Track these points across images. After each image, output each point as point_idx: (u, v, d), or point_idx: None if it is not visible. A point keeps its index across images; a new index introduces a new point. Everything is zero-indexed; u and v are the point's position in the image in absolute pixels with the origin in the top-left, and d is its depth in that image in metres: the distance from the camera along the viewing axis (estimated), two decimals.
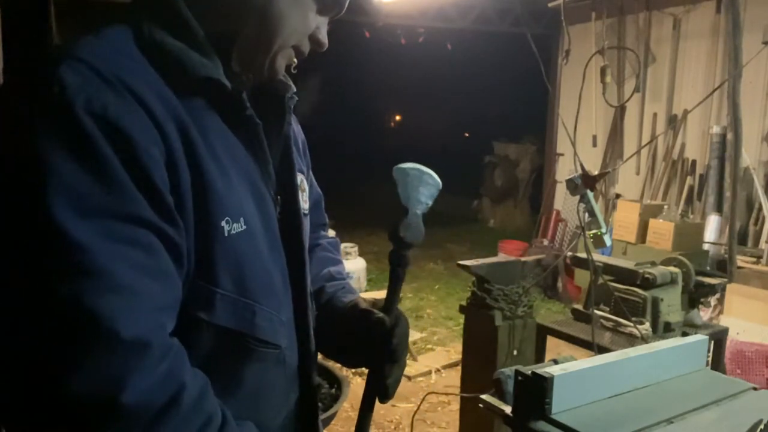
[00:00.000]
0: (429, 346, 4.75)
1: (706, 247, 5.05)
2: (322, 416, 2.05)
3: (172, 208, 0.76)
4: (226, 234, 0.81)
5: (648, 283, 2.42)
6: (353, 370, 3.76)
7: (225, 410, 0.81)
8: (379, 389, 1.02)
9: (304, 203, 1.03)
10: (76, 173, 0.69)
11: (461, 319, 3.00)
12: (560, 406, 0.95)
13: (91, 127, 0.70)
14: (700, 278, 2.64)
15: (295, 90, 1.02)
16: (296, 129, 1.09)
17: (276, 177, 0.94)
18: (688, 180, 5.99)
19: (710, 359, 2.53)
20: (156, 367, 0.72)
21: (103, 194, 0.70)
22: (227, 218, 0.81)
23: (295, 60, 0.94)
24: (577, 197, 2.28)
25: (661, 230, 4.94)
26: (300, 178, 1.03)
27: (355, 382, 3.57)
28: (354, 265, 5.41)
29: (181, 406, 0.73)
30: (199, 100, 0.83)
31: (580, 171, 2.25)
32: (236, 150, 0.87)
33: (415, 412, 2.84)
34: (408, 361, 3.61)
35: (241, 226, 0.83)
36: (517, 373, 1.00)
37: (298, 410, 1.01)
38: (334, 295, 1.11)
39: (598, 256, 2.54)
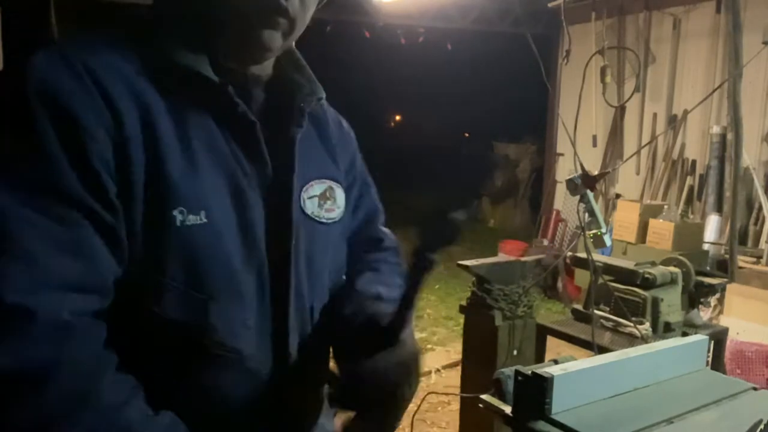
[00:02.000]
0: (429, 346, 4.75)
1: (706, 247, 5.05)
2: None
3: (109, 190, 0.75)
4: (178, 224, 0.79)
5: (648, 283, 2.42)
6: None
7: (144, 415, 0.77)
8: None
9: (327, 212, 0.98)
10: (11, 144, 0.74)
11: (461, 319, 3.00)
12: (560, 406, 0.95)
13: (36, 105, 0.73)
14: (700, 278, 2.64)
15: (321, 95, 0.99)
16: (337, 134, 1.06)
17: (274, 179, 0.91)
18: (688, 180, 5.99)
19: (710, 359, 2.53)
20: (34, 341, 0.69)
21: (33, 166, 0.72)
22: (181, 208, 0.79)
23: (282, 21, 0.86)
24: (577, 197, 2.28)
25: (661, 230, 4.94)
26: (324, 186, 0.98)
27: None
28: None
29: (53, 390, 0.70)
30: (184, 93, 0.83)
31: (580, 171, 2.25)
32: (217, 144, 0.85)
33: (415, 412, 2.83)
34: None
35: (200, 219, 0.80)
36: (517, 373, 1.00)
37: (273, 427, 0.93)
38: (364, 308, 0.99)
39: (598, 256, 2.54)
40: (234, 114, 0.86)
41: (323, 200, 0.98)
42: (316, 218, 0.96)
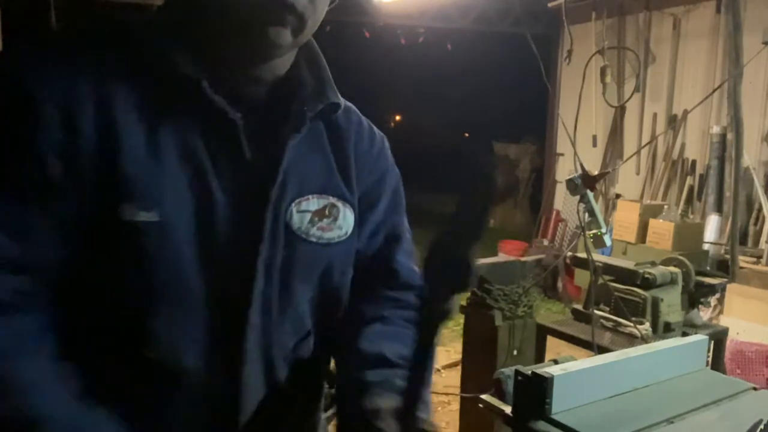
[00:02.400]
0: None
1: (706, 247, 5.04)
2: (323, 416, 2.05)
3: (53, 173, 0.74)
4: (126, 218, 0.75)
5: (648, 283, 2.42)
6: None
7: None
8: None
9: (320, 230, 0.88)
10: None
11: (461, 319, 3.00)
12: (560, 406, 0.95)
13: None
14: (700, 278, 2.64)
15: (333, 100, 0.91)
16: (362, 149, 0.97)
17: (254, 185, 0.83)
18: (688, 180, 5.99)
19: (710, 359, 2.53)
20: None
21: None
22: (133, 203, 0.75)
23: (290, 17, 0.80)
24: (577, 197, 2.28)
25: (661, 230, 4.94)
26: (324, 202, 0.89)
27: None
28: None
29: None
30: (161, 90, 0.79)
31: (580, 171, 2.25)
32: (190, 143, 0.79)
33: None
34: None
35: (152, 217, 0.75)
36: (517, 373, 1.00)
37: None
38: (367, 388, 0.87)
39: (598, 256, 2.54)
40: (212, 111, 0.80)
41: (319, 217, 0.89)
42: (303, 235, 0.87)
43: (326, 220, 0.89)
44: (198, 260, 0.79)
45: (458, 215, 0.66)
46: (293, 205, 0.86)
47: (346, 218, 0.92)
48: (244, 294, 0.82)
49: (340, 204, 0.91)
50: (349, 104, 0.99)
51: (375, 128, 1.02)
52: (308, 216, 0.87)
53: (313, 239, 0.88)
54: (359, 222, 0.95)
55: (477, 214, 0.66)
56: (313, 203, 0.88)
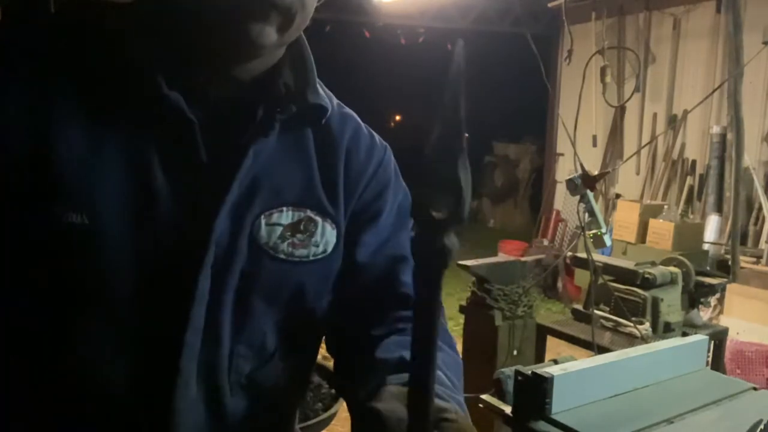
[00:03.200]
0: None
1: (706, 247, 5.05)
2: (323, 416, 2.06)
3: None
4: (53, 219, 0.69)
5: (648, 283, 2.42)
6: None
7: None
8: None
9: (292, 247, 0.80)
10: None
11: (461, 319, 3.00)
12: (560, 406, 0.95)
13: None
14: (700, 278, 2.65)
15: (316, 101, 0.82)
16: (358, 161, 0.87)
17: (207, 191, 0.75)
18: (688, 180, 5.99)
19: (710, 359, 2.53)
20: None
21: None
22: (62, 204, 0.69)
23: (274, 13, 0.72)
24: (577, 197, 2.28)
25: (661, 230, 4.94)
26: (299, 215, 0.81)
27: None
28: None
29: None
30: (111, 88, 0.73)
31: (580, 171, 2.25)
32: (139, 142, 0.73)
33: None
34: None
35: (81, 219, 0.69)
36: (517, 373, 1.00)
37: None
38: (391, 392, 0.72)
39: (598, 256, 2.54)
40: (168, 110, 0.73)
41: (292, 232, 0.80)
42: (270, 250, 0.78)
43: (300, 235, 0.80)
44: (131, 270, 0.71)
45: (434, 132, 0.52)
46: (262, 217, 0.78)
47: (325, 234, 0.82)
48: (179, 311, 0.73)
49: (318, 218, 0.82)
50: (348, 110, 0.91)
51: (377, 137, 0.93)
52: (279, 230, 0.79)
53: (282, 256, 0.79)
54: (357, 240, 0.86)
55: (451, 122, 0.52)
56: (286, 216, 0.80)
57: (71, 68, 0.72)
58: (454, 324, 5.09)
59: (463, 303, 2.81)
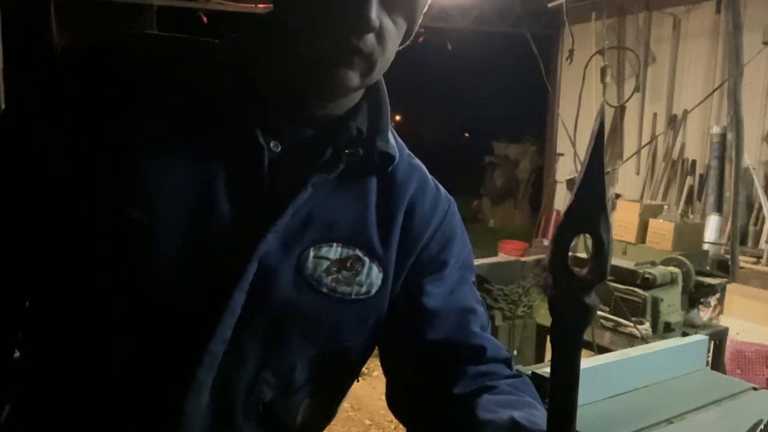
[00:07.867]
0: None
1: (706, 247, 5.05)
2: None
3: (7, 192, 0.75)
4: (115, 214, 0.72)
5: (648, 283, 2.42)
6: None
7: None
8: None
9: (336, 283, 0.79)
10: None
11: None
12: None
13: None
14: (700, 278, 2.65)
15: (383, 148, 0.83)
16: (422, 212, 0.87)
17: (263, 218, 0.76)
18: (688, 180, 6.00)
19: (710, 359, 2.53)
20: None
21: None
22: (129, 201, 0.72)
23: (358, 60, 0.74)
24: None
25: (661, 230, 4.94)
26: (348, 252, 0.80)
27: (356, 383, 3.56)
28: None
29: None
30: (199, 111, 0.77)
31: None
32: (205, 156, 0.76)
33: None
34: None
35: (142, 216, 0.72)
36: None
37: None
38: None
39: None
40: (243, 135, 0.76)
41: (338, 268, 0.80)
42: (311, 281, 0.78)
43: (346, 272, 0.80)
44: (174, 268, 0.73)
45: (583, 182, 0.51)
46: (312, 249, 0.78)
47: (371, 276, 0.82)
48: (210, 319, 0.73)
49: (366, 258, 0.81)
50: (417, 162, 0.91)
51: (442, 190, 0.93)
52: (325, 264, 0.79)
53: (324, 290, 0.78)
54: (423, 290, 0.86)
55: (595, 177, 0.51)
56: (335, 251, 0.79)
57: (157, 86, 0.76)
58: None
59: None
